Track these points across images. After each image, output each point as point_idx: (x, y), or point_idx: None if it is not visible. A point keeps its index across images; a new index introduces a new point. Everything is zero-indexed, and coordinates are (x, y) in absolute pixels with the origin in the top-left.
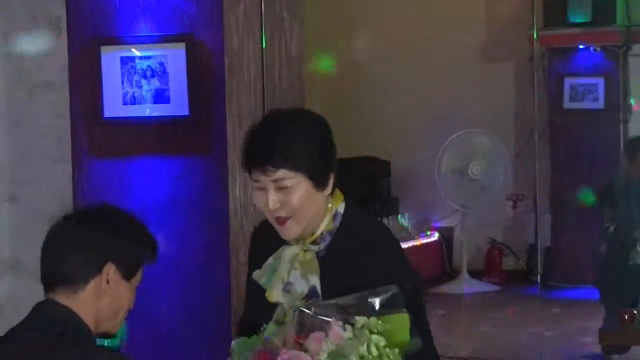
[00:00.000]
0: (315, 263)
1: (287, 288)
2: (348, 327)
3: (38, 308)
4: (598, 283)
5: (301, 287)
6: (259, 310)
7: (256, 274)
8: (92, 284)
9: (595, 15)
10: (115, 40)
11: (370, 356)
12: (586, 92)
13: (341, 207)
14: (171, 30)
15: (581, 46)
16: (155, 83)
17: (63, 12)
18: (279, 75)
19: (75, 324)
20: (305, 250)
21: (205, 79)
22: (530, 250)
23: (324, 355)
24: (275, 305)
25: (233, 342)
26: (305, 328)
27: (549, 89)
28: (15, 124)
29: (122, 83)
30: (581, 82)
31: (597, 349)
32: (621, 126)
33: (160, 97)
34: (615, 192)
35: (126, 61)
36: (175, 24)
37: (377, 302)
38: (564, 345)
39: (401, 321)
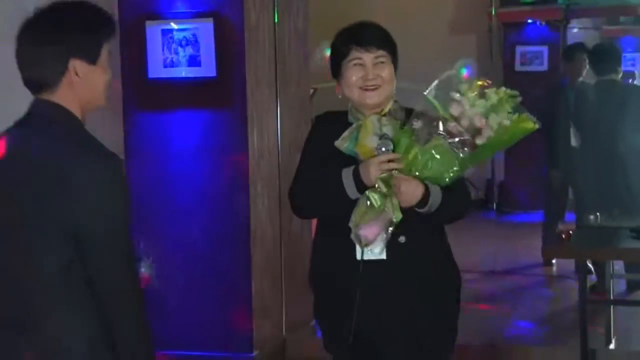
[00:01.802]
0: (397, 124)
1: (384, 137)
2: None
3: (32, 107)
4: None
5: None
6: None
7: (338, 143)
8: (64, 81)
9: None
10: (157, 16)
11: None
12: (533, 57)
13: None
14: (202, 8)
15: (530, 21)
16: (189, 50)
17: None
18: (288, 45)
19: (66, 116)
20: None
21: (229, 48)
22: (487, 183)
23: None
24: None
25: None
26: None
27: (504, 56)
28: None
29: (163, 50)
30: (530, 49)
31: (538, 260)
32: (561, 84)
33: (193, 61)
34: (555, 115)
35: (166, 33)
36: (206, 3)
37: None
38: (513, 257)
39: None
